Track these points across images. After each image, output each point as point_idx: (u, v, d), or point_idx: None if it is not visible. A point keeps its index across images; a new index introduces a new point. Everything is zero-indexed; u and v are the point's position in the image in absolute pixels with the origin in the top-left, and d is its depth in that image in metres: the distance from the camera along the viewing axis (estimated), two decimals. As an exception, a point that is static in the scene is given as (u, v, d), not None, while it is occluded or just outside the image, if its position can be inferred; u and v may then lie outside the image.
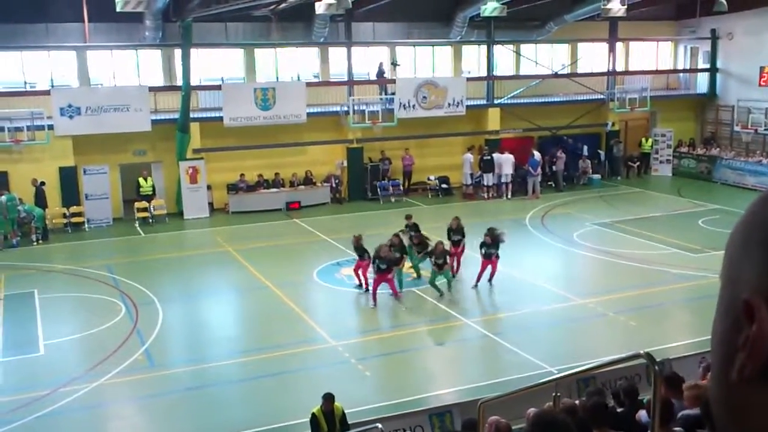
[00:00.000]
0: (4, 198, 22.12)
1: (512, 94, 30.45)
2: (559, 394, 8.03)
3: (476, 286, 17.64)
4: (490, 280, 17.65)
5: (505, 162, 27.99)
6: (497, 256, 17.45)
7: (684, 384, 7.08)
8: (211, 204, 26.30)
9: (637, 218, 24.07)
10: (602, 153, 31.59)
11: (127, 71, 27.08)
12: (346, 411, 10.29)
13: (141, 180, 25.10)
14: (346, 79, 28.21)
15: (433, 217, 23.38)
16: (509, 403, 9.04)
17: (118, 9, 20.04)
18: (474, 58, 31.45)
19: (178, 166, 25.50)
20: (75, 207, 24.40)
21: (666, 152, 32.03)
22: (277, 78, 28.54)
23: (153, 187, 25.34)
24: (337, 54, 28.98)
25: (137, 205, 24.97)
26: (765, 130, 29.89)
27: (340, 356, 14.05)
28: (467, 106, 28.63)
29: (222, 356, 14.15)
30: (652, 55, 34.63)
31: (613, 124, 31.57)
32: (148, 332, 15.19)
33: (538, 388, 8.24)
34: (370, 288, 16.93)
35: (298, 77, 28.78)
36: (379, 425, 9.78)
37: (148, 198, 25.14)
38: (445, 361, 14.35)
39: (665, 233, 22.01)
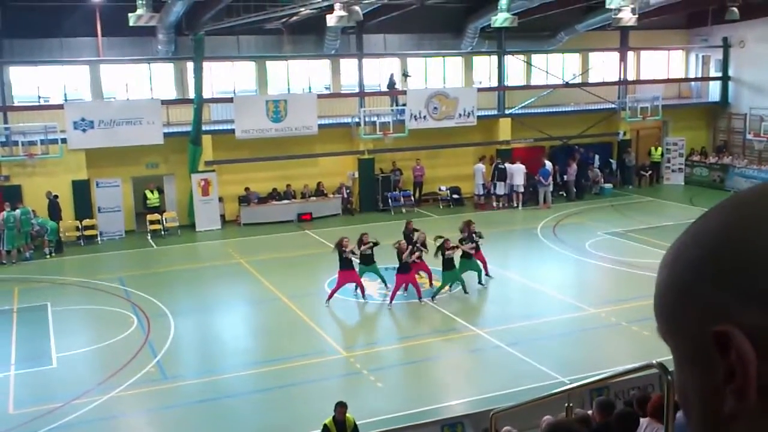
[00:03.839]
0: (18, 212, 22.26)
1: (523, 104, 30.43)
2: (571, 404, 7.99)
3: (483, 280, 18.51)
4: (486, 274, 18.59)
5: (517, 172, 27.91)
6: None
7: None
8: (222, 216, 26.36)
9: (650, 227, 23.95)
10: (614, 162, 31.51)
11: (139, 85, 27.26)
12: (357, 422, 10.27)
13: (148, 192, 25.19)
14: (357, 90, 28.27)
15: (445, 227, 23.34)
16: (521, 414, 9.01)
17: (131, 23, 20.19)
18: (485, 69, 31.47)
19: (190, 179, 25.59)
20: (88, 220, 24.54)
21: (678, 161, 31.90)
22: (289, 90, 28.63)
23: (159, 199, 25.45)
24: (348, 66, 29.07)
25: (149, 217, 25.06)
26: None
27: (352, 367, 14.05)
28: (478, 117, 28.63)
29: (234, 368, 14.16)
30: (664, 63, 34.55)
31: (624, 134, 31.48)
32: (160, 344, 15.22)
33: (551, 399, 8.20)
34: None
35: (310, 89, 28.89)
36: (391, 436, 9.76)
37: (156, 210, 25.23)
38: (457, 371, 14.30)
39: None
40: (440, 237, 17.34)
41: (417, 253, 17.37)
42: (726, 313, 0.84)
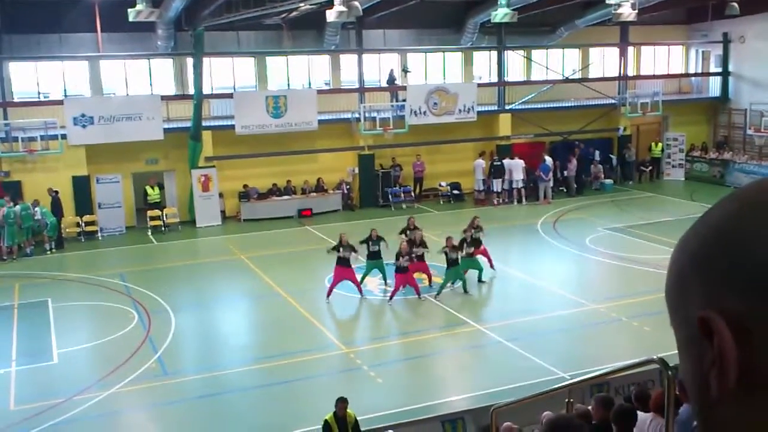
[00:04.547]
0: (18, 207, 22.26)
1: (523, 100, 30.40)
2: (572, 400, 8.00)
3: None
4: (491, 267, 18.76)
5: (516, 167, 27.92)
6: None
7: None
8: (223, 212, 26.38)
9: (650, 223, 23.97)
10: (614, 157, 31.51)
11: (139, 80, 27.22)
12: (358, 418, 10.28)
13: (148, 188, 25.19)
14: (357, 86, 28.26)
15: (445, 223, 23.37)
16: (522, 409, 9.02)
17: (130, 19, 20.19)
18: (485, 64, 31.43)
19: (191, 175, 25.60)
20: (88, 216, 24.53)
21: (678, 156, 31.90)
22: (289, 86, 28.62)
23: (159, 195, 25.45)
24: (348, 61, 29.05)
25: (150, 213, 25.07)
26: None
27: (352, 363, 14.06)
28: (478, 112, 28.61)
29: (234, 363, 14.18)
30: (664, 59, 34.53)
31: (624, 129, 31.47)
32: (160, 340, 15.23)
33: (551, 394, 8.21)
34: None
35: (310, 85, 28.87)
36: (392, 432, 9.78)
37: (157, 206, 25.23)
38: (458, 367, 14.32)
39: (678, 238, 21.81)
40: (445, 248, 17.38)
41: (412, 256, 17.33)
42: (713, 300, 0.87)
